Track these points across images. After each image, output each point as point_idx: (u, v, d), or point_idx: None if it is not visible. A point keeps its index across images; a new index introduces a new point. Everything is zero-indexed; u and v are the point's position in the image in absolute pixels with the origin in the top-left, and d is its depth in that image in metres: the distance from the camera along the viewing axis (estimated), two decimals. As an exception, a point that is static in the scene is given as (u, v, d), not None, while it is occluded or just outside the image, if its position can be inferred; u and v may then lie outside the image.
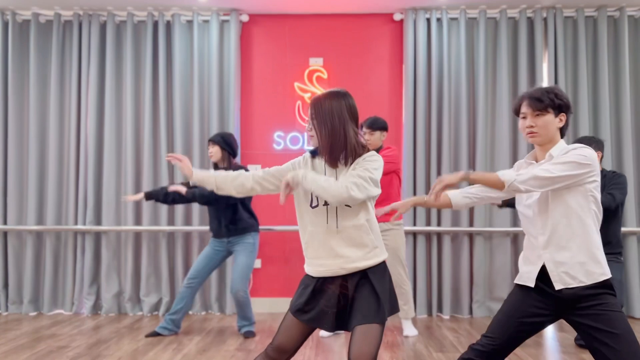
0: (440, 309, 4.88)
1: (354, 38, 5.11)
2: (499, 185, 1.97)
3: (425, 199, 2.25)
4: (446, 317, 4.81)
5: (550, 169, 1.93)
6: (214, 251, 4.06)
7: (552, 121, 2.03)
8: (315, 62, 5.09)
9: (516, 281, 2.14)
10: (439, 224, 4.88)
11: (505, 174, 1.96)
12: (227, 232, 3.99)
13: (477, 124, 4.89)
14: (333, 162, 2.02)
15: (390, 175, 4.02)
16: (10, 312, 4.96)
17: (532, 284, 2.05)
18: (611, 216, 3.45)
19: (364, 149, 2.04)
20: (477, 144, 4.88)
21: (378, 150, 4.07)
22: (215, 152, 4.01)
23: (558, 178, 1.92)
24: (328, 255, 2.00)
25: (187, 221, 4.94)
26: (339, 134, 1.99)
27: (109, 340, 3.94)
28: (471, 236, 4.88)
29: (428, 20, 4.97)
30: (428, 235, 4.89)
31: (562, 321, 3.84)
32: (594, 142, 3.49)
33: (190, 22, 5.04)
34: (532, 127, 2.04)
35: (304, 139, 5.03)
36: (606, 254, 2.19)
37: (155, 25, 5.02)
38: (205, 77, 5.01)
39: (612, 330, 1.88)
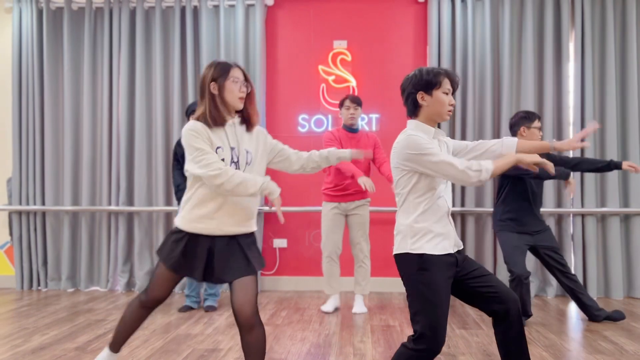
0: (463, 288, 4.94)
1: (378, 20, 5.13)
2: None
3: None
4: (469, 296, 4.87)
5: None
6: None
7: None
8: (340, 45, 5.13)
9: (438, 252, 2.04)
10: (462, 205, 4.92)
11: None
12: None
13: (501, 106, 4.88)
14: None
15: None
16: (49, 288, 5.21)
17: (452, 250, 2.08)
18: None
19: None
20: (501, 127, 4.88)
21: (358, 128, 4.22)
22: None
23: None
24: (212, 216, 2.20)
25: (216, 202, 5.07)
26: None
27: (143, 315, 4.13)
28: (495, 217, 4.90)
29: (452, 0, 4.96)
30: (452, 216, 4.92)
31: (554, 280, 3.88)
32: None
33: (216, 7, 5.14)
34: (452, 105, 2.13)
35: (328, 121, 5.11)
36: None
37: (183, 10, 5.13)
38: (231, 61, 5.09)
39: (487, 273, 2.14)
